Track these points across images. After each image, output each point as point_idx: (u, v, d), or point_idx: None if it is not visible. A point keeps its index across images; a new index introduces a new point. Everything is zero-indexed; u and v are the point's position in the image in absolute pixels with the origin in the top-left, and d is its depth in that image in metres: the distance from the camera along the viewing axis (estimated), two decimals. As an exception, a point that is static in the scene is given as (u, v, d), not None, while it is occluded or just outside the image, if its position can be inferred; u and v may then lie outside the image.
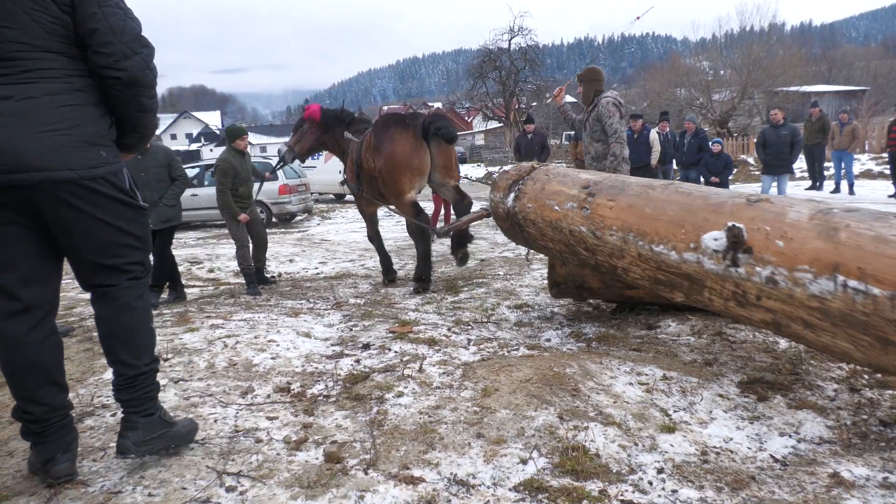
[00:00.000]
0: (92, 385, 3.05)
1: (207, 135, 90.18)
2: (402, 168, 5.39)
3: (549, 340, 3.78)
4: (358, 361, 3.32)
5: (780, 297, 2.28)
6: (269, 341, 3.68)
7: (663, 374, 2.91)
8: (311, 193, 21.00)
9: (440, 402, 2.65)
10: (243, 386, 2.96)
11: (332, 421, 2.54)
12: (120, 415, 2.27)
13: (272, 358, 3.39)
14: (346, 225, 14.76)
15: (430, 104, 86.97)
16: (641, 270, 2.94)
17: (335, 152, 6.98)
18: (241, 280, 7.46)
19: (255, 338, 3.75)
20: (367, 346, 3.62)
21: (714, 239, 2.49)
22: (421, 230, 5.56)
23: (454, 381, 2.91)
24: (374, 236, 6.67)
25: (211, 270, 8.76)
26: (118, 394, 2.21)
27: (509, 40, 41.76)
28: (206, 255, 10.31)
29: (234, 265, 8.86)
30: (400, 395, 2.77)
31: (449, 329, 4.04)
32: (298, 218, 16.44)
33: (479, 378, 2.89)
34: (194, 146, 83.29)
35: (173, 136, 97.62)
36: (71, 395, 2.25)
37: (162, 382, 3.01)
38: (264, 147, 70.13)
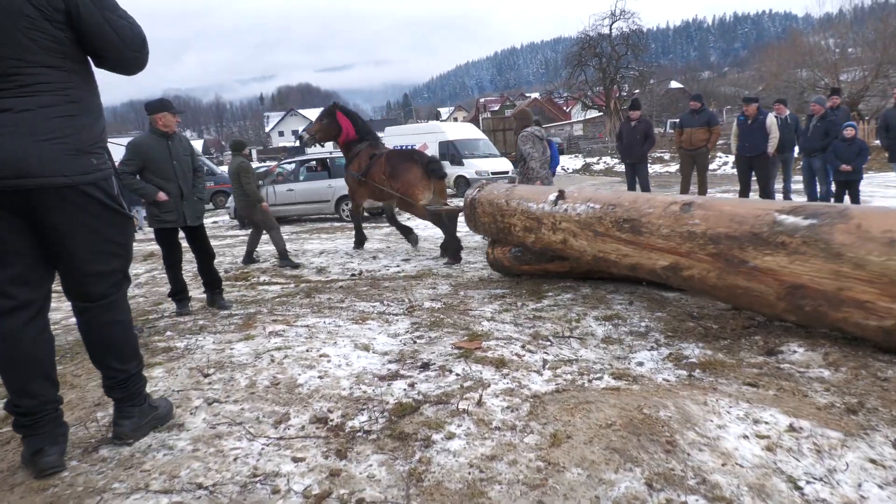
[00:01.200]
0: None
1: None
2: (415, 188, 7.89)
3: (641, 364, 3.17)
4: (412, 386, 2.89)
5: (567, 218, 4.82)
6: (321, 356, 3.32)
7: (790, 423, 2.26)
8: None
9: (497, 451, 2.15)
10: (279, 412, 2.61)
11: (365, 468, 2.11)
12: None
13: (320, 377, 3.02)
14: (436, 219, 14.47)
15: (527, 95, 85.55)
16: (520, 221, 5.47)
17: (344, 151, 9.30)
18: (322, 277, 7.36)
19: (307, 351, 3.41)
20: (426, 366, 3.18)
21: (552, 196, 5.08)
22: (436, 217, 7.98)
23: (518, 419, 2.41)
24: (356, 214, 9.71)
25: (295, 267, 8.69)
26: (111, 392, 2.38)
27: (610, 25, 39.99)
28: (294, 251, 10.31)
29: (319, 261, 8.79)
30: (450, 436, 2.29)
31: (523, 346, 3.51)
32: (389, 212, 16.39)
33: (548, 418, 2.37)
34: (300, 142, 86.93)
35: (281, 133, 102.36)
36: (91, 423, 2.07)
37: (195, 403, 2.73)
38: None
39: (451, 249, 7.74)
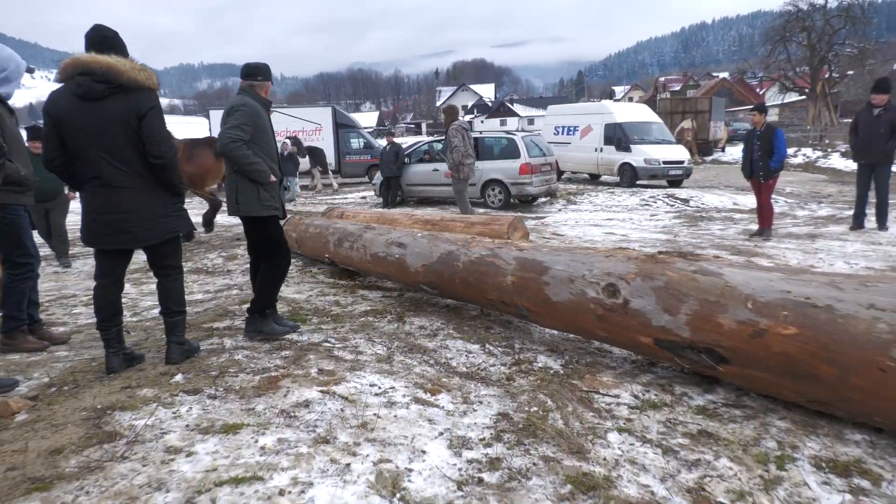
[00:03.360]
0: None
1: (480, 107, 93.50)
2: (206, 173, 9.47)
3: None
4: None
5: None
6: (302, 495, 1.92)
7: None
8: (562, 172, 19.07)
9: None
10: None
11: None
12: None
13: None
14: (592, 214, 12.51)
15: (714, 74, 77.81)
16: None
17: None
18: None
19: (288, 489, 2.02)
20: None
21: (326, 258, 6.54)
22: (212, 203, 10.10)
23: None
24: None
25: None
26: None
27: (827, -6, 34.15)
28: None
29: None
30: None
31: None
32: (540, 201, 14.63)
33: None
34: (467, 117, 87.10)
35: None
36: None
37: None
38: (532, 119, 69.98)
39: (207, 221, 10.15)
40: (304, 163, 19.35)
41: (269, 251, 4.22)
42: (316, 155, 19.85)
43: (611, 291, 3.24)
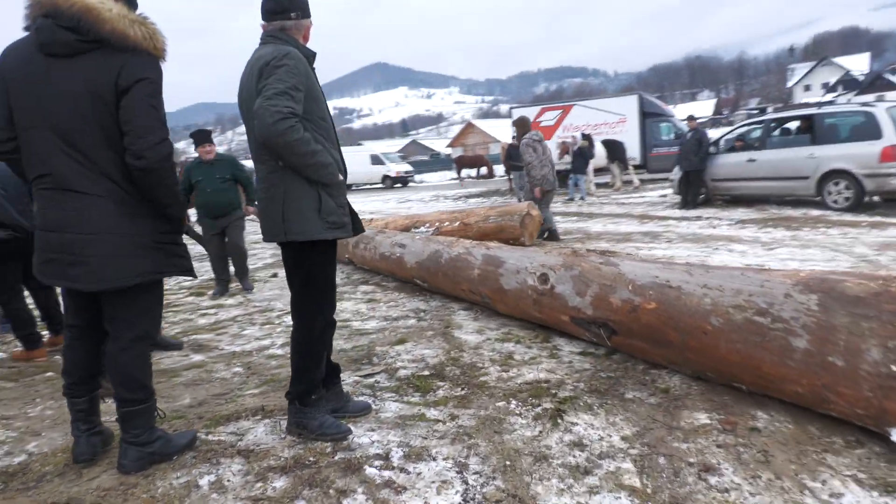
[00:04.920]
0: None
1: (847, 82, 77.23)
2: None
3: None
4: None
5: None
6: None
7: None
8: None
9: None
10: None
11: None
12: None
13: None
14: None
15: None
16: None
17: None
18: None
19: None
20: None
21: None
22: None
23: None
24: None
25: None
26: None
27: None
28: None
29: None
30: None
31: None
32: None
33: None
34: (828, 96, 72.47)
35: (807, 87, 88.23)
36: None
37: None
38: (881, 96, 53.80)
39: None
40: (602, 158, 17.32)
41: (306, 293, 2.61)
42: (613, 149, 17.57)
43: (543, 279, 3.98)
